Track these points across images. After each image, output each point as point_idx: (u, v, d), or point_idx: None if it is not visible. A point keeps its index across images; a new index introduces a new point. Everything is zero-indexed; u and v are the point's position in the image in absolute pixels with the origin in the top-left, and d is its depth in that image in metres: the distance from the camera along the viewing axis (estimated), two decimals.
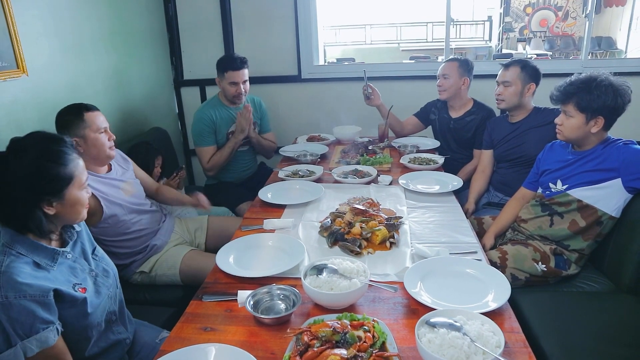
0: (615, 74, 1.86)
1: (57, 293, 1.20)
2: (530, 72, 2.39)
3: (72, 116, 1.84)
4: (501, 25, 10.73)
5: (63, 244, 1.34)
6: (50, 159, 1.23)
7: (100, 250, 1.49)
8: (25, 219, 1.21)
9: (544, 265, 1.92)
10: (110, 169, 2.01)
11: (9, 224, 1.23)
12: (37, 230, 1.23)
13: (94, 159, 1.90)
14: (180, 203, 2.37)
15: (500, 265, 1.92)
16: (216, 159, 2.88)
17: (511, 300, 1.31)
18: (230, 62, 2.81)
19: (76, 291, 1.26)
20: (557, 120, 1.92)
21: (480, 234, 2.19)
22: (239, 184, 3.08)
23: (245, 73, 2.86)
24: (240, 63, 2.82)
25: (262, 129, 3.15)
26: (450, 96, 2.83)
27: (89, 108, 1.88)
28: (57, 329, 1.20)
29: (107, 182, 1.95)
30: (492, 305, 1.26)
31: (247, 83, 2.90)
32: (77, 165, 1.29)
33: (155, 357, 1.15)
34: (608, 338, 1.53)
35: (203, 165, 2.94)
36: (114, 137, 1.94)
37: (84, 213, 1.34)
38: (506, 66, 2.44)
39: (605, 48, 9.27)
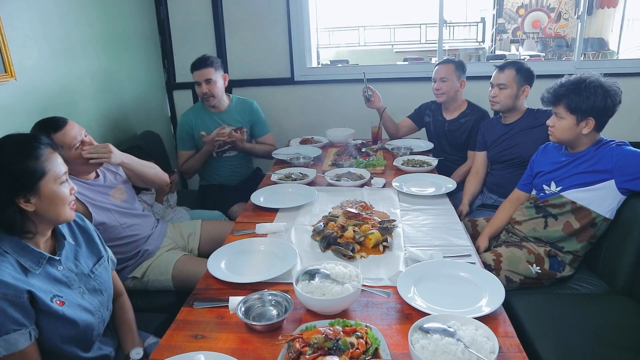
0: (608, 75, 1.86)
1: (32, 297, 1.18)
2: (525, 75, 2.38)
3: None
4: (494, 27, 10.77)
5: (54, 253, 1.32)
6: (21, 153, 1.22)
7: (101, 269, 1.45)
8: (2, 218, 1.20)
9: (539, 267, 1.91)
10: (97, 176, 1.98)
11: None
12: (13, 229, 1.21)
13: (82, 173, 1.87)
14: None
15: (494, 267, 1.91)
16: (189, 165, 2.91)
17: (505, 303, 1.30)
18: (193, 63, 2.77)
19: (52, 302, 1.23)
20: (548, 122, 1.92)
21: (474, 236, 2.18)
22: (232, 187, 3.06)
23: (208, 72, 2.74)
24: (199, 62, 2.74)
25: (258, 132, 3.08)
26: (448, 99, 2.82)
27: (57, 126, 1.75)
28: (31, 334, 1.17)
29: (95, 188, 1.91)
30: (486, 310, 1.25)
31: (217, 84, 2.80)
32: (51, 159, 1.26)
33: None
34: (603, 340, 1.52)
35: (178, 168, 2.97)
36: (95, 143, 1.89)
37: (67, 211, 1.29)
38: (501, 68, 2.43)
39: (597, 49, 9.31)
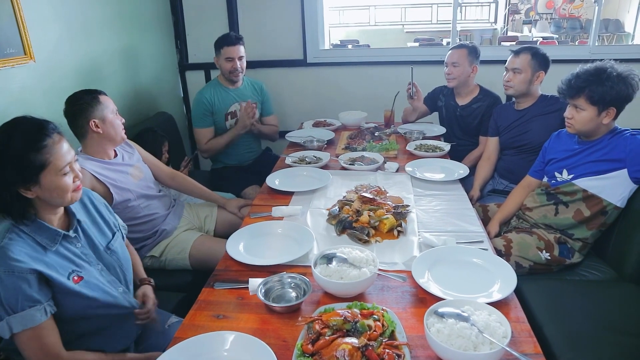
0: (623, 60, 1.86)
1: (43, 276, 1.21)
2: (540, 60, 2.37)
3: (89, 98, 1.86)
4: (507, 7, 10.58)
5: (68, 231, 1.35)
6: (24, 143, 1.21)
7: (117, 245, 1.48)
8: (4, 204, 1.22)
9: (548, 254, 1.94)
10: (116, 155, 2.03)
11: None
12: (11, 213, 1.23)
13: (110, 141, 1.94)
14: (205, 199, 2.41)
15: (504, 253, 1.94)
16: (213, 143, 2.92)
17: (515, 288, 1.33)
18: (225, 39, 2.88)
19: (69, 279, 1.26)
20: (566, 115, 1.92)
21: (484, 221, 2.21)
22: (243, 168, 3.11)
23: (241, 49, 2.90)
24: (235, 39, 2.87)
25: (264, 112, 3.17)
26: (459, 84, 2.82)
27: (100, 92, 1.91)
28: (46, 310, 1.21)
29: (115, 168, 1.96)
30: (498, 296, 1.29)
31: (244, 60, 2.95)
32: (55, 150, 1.25)
33: (169, 345, 1.17)
34: (610, 326, 1.56)
35: (199, 147, 2.99)
36: (124, 120, 1.98)
37: (70, 197, 1.29)
38: (516, 53, 2.42)
39: (612, 31, 9.13)
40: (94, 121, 1.85)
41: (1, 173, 1.20)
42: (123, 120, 1.96)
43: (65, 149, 1.28)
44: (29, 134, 1.23)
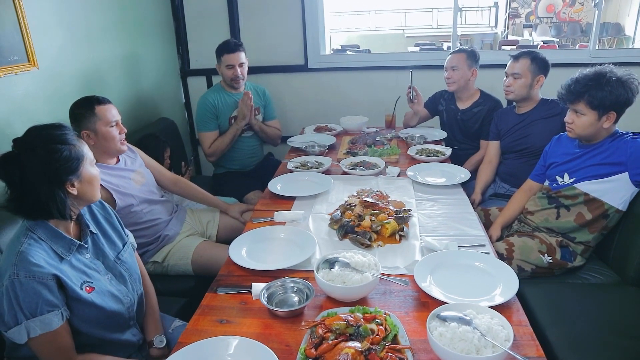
0: (623, 64, 1.86)
1: (60, 282, 1.23)
2: (540, 64, 2.38)
3: (84, 109, 1.86)
4: (507, 11, 10.62)
5: (80, 240, 1.36)
6: (59, 142, 1.25)
7: (127, 255, 1.49)
8: (49, 206, 1.23)
9: (550, 257, 1.94)
10: (118, 160, 2.03)
11: (31, 217, 1.26)
12: (60, 213, 1.25)
13: (104, 153, 1.93)
14: (208, 204, 2.43)
15: (506, 256, 1.94)
16: (217, 144, 2.93)
17: (517, 292, 1.34)
18: (225, 46, 2.89)
19: (82, 289, 1.28)
20: (567, 119, 1.92)
21: (486, 225, 2.21)
22: (245, 174, 3.12)
23: (241, 56, 2.90)
24: (235, 46, 2.88)
25: (266, 116, 3.19)
26: (459, 88, 2.83)
27: (101, 101, 1.89)
28: (63, 314, 1.23)
29: (117, 173, 1.97)
30: (500, 299, 1.29)
31: (245, 67, 2.96)
32: (82, 144, 1.32)
33: (173, 349, 1.18)
34: (613, 329, 1.56)
35: (204, 150, 2.99)
36: (126, 130, 1.96)
37: (99, 192, 1.38)
38: (516, 57, 2.44)
39: (613, 34, 9.15)
40: (85, 132, 1.86)
41: (51, 175, 1.23)
42: (125, 131, 1.94)
43: (87, 146, 1.35)
44: (56, 132, 1.27)
